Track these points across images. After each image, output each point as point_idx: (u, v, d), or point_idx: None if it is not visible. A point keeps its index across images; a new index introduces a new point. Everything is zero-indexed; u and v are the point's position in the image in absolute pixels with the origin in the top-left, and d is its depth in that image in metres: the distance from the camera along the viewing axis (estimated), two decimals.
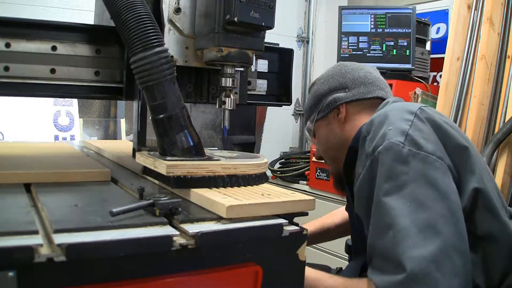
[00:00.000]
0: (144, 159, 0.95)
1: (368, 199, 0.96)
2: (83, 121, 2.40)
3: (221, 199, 0.75)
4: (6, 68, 0.97)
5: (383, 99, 1.21)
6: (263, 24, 0.96)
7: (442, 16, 2.88)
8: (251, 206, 0.74)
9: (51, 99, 2.30)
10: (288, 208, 0.78)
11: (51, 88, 1.03)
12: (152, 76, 0.87)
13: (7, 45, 0.97)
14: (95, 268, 0.59)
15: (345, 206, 1.38)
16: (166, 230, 0.66)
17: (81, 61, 1.05)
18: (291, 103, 1.41)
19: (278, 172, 3.05)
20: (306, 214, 0.81)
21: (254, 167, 0.91)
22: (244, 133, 1.32)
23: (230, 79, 1.03)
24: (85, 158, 1.24)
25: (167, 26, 1.01)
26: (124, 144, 1.66)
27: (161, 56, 0.87)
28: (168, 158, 0.88)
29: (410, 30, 2.52)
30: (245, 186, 0.88)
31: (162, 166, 0.84)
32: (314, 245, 2.63)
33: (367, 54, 2.59)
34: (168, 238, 0.63)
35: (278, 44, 1.36)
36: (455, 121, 2.21)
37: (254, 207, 0.74)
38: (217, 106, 1.07)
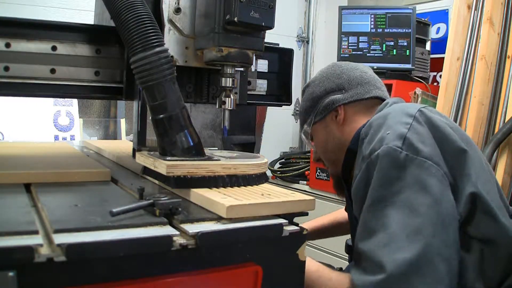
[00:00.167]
0: (144, 159, 0.95)
1: (363, 201, 0.96)
2: (83, 121, 2.40)
3: (221, 199, 0.75)
4: (6, 68, 0.97)
5: (380, 99, 1.20)
6: (263, 24, 0.96)
7: (442, 16, 2.88)
8: (251, 206, 0.74)
9: (51, 99, 2.30)
10: (288, 208, 0.78)
11: (51, 88, 1.03)
12: (152, 76, 0.87)
13: (7, 45, 0.97)
14: (95, 268, 0.59)
15: (344, 207, 1.38)
16: (166, 230, 0.66)
17: (81, 61, 1.05)
18: (291, 103, 1.41)
19: (278, 172, 3.05)
20: (306, 214, 0.81)
21: (254, 167, 0.91)
22: (244, 133, 1.32)
23: (230, 79, 1.03)
24: (85, 158, 1.24)
25: (167, 26, 1.01)
26: (124, 144, 1.66)
27: (161, 56, 0.87)
28: (168, 158, 0.88)
29: (410, 30, 2.52)
30: (245, 186, 0.88)
31: (162, 166, 0.84)
32: (314, 245, 2.64)
33: (367, 54, 2.59)
34: (168, 238, 0.63)
35: (278, 44, 1.36)
36: (455, 121, 2.21)
37: (254, 207, 0.74)
38: (217, 106, 1.07)
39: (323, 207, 2.11)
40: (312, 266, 0.94)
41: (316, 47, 3.66)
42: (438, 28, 2.90)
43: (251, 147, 1.33)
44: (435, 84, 2.75)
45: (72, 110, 2.36)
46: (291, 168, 3.02)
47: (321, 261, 1.00)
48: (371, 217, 0.92)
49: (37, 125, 2.25)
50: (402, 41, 2.53)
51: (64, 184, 0.91)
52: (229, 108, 1.05)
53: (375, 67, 2.52)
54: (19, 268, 0.55)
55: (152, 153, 0.97)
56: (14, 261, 0.54)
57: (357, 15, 2.63)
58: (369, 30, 2.60)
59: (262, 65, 1.31)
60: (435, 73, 2.84)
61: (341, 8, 2.68)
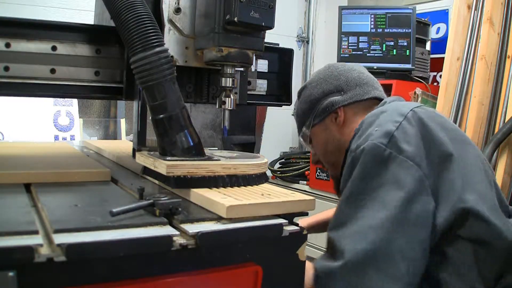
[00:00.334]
0: (144, 159, 0.95)
1: None
2: (83, 121, 2.40)
3: (221, 199, 0.75)
4: (6, 68, 0.97)
5: (379, 99, 1.20)
6: (263, 24, 0.95)
7: (442, 16, 2.88)
8: (251, 206, 0.74)
9: (51, 99, 2.30)
10: (288, 208, 0.77)
11: (51, 88, 1.03)
12: (152, 76, 0.87)
13: (7, 45, 0.97)
14: (95, 268, 0.59)
15: None
16: (166, 230, 0.66)
17: (81, 61, 1.05)
18: (291, 103, 1.41)
19: (278, 172, 3.05)
20: (306, 214, 0.81)
21: (254, 167, 0.91)
22: (244, 133, 1.32)
23: (230, 79, 1.03)
24: (85, 158, 1.24)
25: (167, 26, 1.01)
26: (124, 144, 1.65)
27: (161, 56, 0.87)
28: (168, 158, 0.88)
29: (410, 30, 2.52)
30: (245, 186, 0.88)
31: (162, 166, 0.84)
32: (314, 245, 2.64)
33: (367, 54, 2.59)
34: (168, 238, 0.63)
35: (278, 44, 1.36)
36: (455, 121, 2.21)
37: (254, 207, 0.74)
38: (217, 106, 1.07)
39: (323, 207, 2.10)
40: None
41: (316, 47, 3.66)
42: (438, 28, 2.90)
43: (251, 147, 1.33)
44: (435, 84, 2.75)
45: (72, 110, 2.36)
46: (291, 168, 3.02)
47: None
48: (346, 208, 0.94)
49: (37, 125, 2.25)
50: (402, 41, 2.53)
51: (64, 184, 0.91)
52: (229, 108, 1.05)
53: (375, 67, 2.53)
54: (19, 268, 0.55)
55: (152, 153, 0.97)
56: (14, 261, 0.54)
57: (357, 15, 2.63)
58: (369, 30, 2.60)
59: (262, 65, 1.31)
60: (435, 73, 2.84)
61: (341, 8, 2.68)
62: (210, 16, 0.98)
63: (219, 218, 0.72)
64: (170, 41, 1.01)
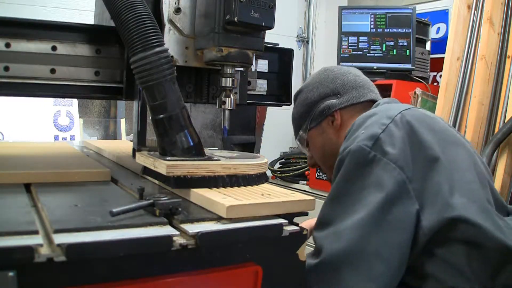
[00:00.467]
0: (144, 159, 0.95)
1: None
2: (83, 121, 2.40)
3: (221, 199, 0.75)
4: (6, 68, 0.97)
5: (375, 101, 1.21)
6: (263, 24, 0.96)
7: (442, 16, 2.88)
8: (251, 206, 0.74)
9: (51, 99, 2.30)
10: (288, 208, 0.78)
11: (51, 88, 1.03)
12: (152, 76, 0.87)
13: (7, 45, 0.97)
14: (95, 268, 0.59)
15: None
16: (166, 230, 0.66)
17: (81, 61, 1.05)
18: (291, 103, 1.41)
19: (278, 172, 3.05)
20: (306, 214, 0.81)
21: (254, 167, 0.91)
22: (244, 133, 1.32)
23: (230, 79, 1.03)
24: (85, 158, 1.24)
25: (167, 26, 1.01)
26: (124, 144, 1.66)
27: (161, 56, 0.87)
28: (168, 158, 0.88)
29: (410, 30, 2.52)
30: (245, 186, 0.88)
31: (162, 166, 0.84)
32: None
33: (367, 54, 2.59)
34: (168, 238, 0.63)
35: (278, 44, 1.36)
36: (455, 121, 2.21)
37: (254, 207, 0.74)
38: (217, 106, 1.07)
39: None
40: None
41: (316, 47, 3.66)
42: (438, 28, 2.90)
43: (251, 147, 1.33)
44: (435, 84, 2.75)
45: (72, 110, 2.36)
46: (291, 168, 3.02)
47: None
48: (329, 209, 0.96)
49: (37, 125, 2.24)
50: (402, 41, 2.53)
51: (64, 184, 0.91)
52: (229, 108, 1.05)
53: (375, 67, 2.53)
54: (19, 268, 0.55)
55: (152, 153, 0.97)
56: (14, 261, 0.54)
57: (357, 15, 2.63)
58: (369, 30, 2.60)
59: (262, 65, 1.31)
60: (435, 73, 2.84)
61: (341, 8, 2.68)
62: (210, 16, 0.98)
63: (219, 218, 0.72)
64: (170, 41, 1.01)
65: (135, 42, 0.87)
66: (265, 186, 0.91)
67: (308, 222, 1.48)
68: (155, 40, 0.87)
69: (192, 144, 0.90)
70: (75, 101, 2.37)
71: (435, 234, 0.91)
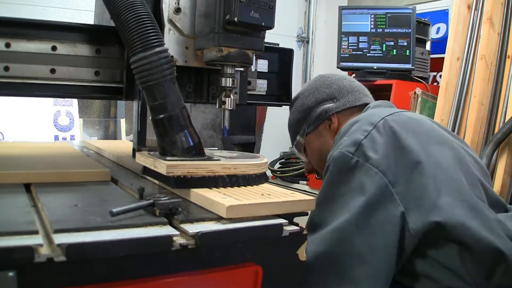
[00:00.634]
0: (144, 159, 0.95)
1: None
2: (83, 121, 2.40)
3: (221, 199, 0.75)
4: (6, 68, 0.97)
5: None
6: (263, 24, 0.96)
7: (442, 16, 2.88)
8: (251, 206, 0.74)
9: (51, 99, 2.30)
10: (288, 208, 0.77)
11: (51, 88, 1.03)
12: (152, 76, 0.87)
13: (7, 45, 0.97)
14: (95, 268, 0.59)
15: None
16: (166, 230, 0.66)
17: (81, 61, 1.05)
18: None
19: (278, 172, 3.05)
20: (306, 214, 0.81)
21: (254, 167, 0.91)
22: (244, 133, 1.32)
23: (230, 79, 1.03)
24: (85, 158, 1.24)
25: (167, 26, 1.01)
26: (124, 144, 1.66)
27: (161, 56, 0.87)
28: (168, 158, 0.88)
29: (410, 30, 2.51)
30: (245, 186, 0.88)
31: (162, 166, 0.84)
32: None
33: (367, 54, 2.59)
34: (168, 238, 0.63)
35: (278, 44, 1.36)
36: (455, 121, 2.21)
37: (254, 207, 0.74)
38: (217, 106, 1.07)
39: None
40: None
41: (316, 47, 3.66)
42: (438, 28, 2.90)
43: (251, 147, 1.33)
44: (435, 84, 2.75)
45: (72, 110, 2.36)
46: (291, 168, 3.01)
47: None
48: (315, 214, 0.98)
49: (37, 125, 2.24)
50: (402, 41, 2.53)
51: (64, 184, 0.91)
52: (229, 108, 1.05)
53: (375, 67, 2.53)
54: (19, 268, 0.55)
55: (152, 153, 0.97)
56: (14, 261, 0.54)
57: (357, 15, 2.63)
58: (369, 30, 2.60)
59: (262, 65, 1.31)
60: (435, 73, 2.84)
61: (341, 8, 2.68)
62: (210, 16, 0.98)
63: (219, 218, 0.72)
64: (170, 41, 1.01)
65: (135, 42, 0.87)
66: (265, 186, 0.91)
67: None
68: (155, 40, 0.87)
69: (192, 144, 0.90)
70: (75, 101, 2.37)
71: (424, 236, 0.91)
